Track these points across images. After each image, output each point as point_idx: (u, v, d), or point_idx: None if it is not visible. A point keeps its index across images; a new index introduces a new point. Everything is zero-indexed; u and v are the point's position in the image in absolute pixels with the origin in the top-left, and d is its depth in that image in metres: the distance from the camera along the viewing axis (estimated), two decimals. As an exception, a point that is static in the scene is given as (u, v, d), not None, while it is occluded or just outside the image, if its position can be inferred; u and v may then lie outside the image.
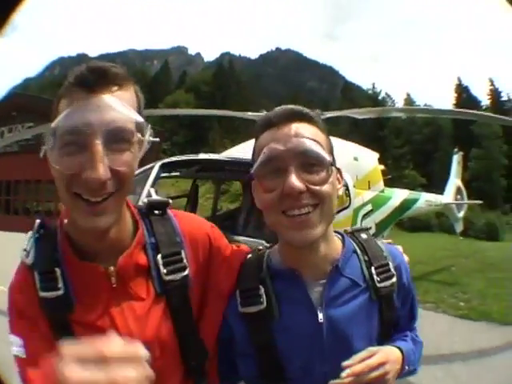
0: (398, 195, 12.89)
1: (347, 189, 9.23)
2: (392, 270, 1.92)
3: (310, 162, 1.69)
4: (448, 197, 19.39)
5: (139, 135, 1.53)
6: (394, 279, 1.91)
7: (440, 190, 20.68)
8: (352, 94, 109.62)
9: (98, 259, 1.65)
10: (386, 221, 11.58)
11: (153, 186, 8.13)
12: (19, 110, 40.87)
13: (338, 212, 9.12)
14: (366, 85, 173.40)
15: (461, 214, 20.14)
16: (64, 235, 1.67)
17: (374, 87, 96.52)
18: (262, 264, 1.93)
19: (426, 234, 38.42)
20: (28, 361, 1.50)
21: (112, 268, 1.64)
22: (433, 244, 25.53)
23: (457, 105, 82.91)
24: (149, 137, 1.59)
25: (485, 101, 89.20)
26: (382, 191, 11.68)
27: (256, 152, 1.81)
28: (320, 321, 1.78)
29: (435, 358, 7.55)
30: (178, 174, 10.32)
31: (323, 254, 1.83)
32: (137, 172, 5.55)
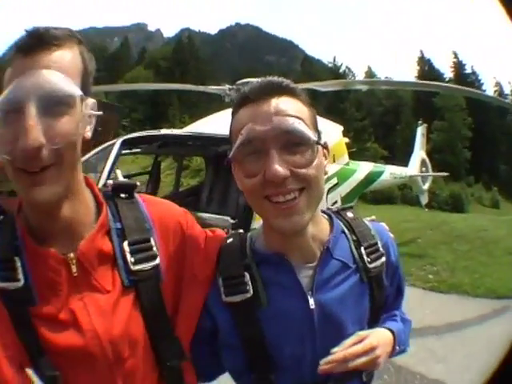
0: (363, 168, 12.88)
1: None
2: (381, 249, 1.84)
3: (293, 142, 1.53)
4: (413, 169, 19.39)
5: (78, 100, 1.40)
6: (384, 258, 1.83)
7: (402, 162, 20.73)
8: (312, 68, 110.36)
9: (56, 245, 1.48)
10: (352, 194, 11.54)
11: (114, 163, 8.03)
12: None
13: None
14: (327, 59, 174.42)
15: (426, 186, 20.33)
16: (22, 219, 1.52)
17: (334, 60, 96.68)
18: (246, 249, 1.79)
19: (389, 206, 38.64)
20: None
21: (72, 254, 1.47)
22: (397, 216, 25.63)
23: (419, 77, 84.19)
24: (89, 108, 1.50)
25: (447, 73, 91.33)
26: (347, 164, 11.66)
27: (233, 132, 1.65)
28: (311, 307, 1.67)
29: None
30: (139, 150, 10.25)
31: (311, 236, 1.71)
32: (97, 149, 5.57)
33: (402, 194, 41.09)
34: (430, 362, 6.49)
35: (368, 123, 70.74)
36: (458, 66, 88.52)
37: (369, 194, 36.29)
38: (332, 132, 11.13)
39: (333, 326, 1.69)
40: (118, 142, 8.28)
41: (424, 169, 20.34)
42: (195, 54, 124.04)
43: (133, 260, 1.55)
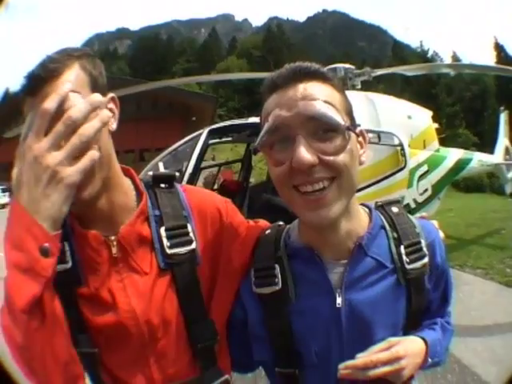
0: (453, 155, 12.20)
1: (402, 148, 8.90)
2: (424, 248, 1.68)
3: (322, 129, 1.42)
4: (498, 156, 18.47)
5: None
6: (426, 259, 1.67)
7: (491, 149, 20.08)
8: (403, 53, 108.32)
9: (99, 229, 1.56)
10: (442, 182, 11.02)
11: (202, 151, 8.20)
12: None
13: (394, 173, 8.96)
14: (413, 43, 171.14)
15: (510, 175, 19.52)
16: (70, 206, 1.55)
17: (421, 45, 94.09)
18: (280, 241, 1.74)
19: (479, 194, 37.53)
20: None
21: (113, 237, 1.56)
22: (485, 205, 24.94)
23: (497, 63, 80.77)
24: (106, 104, 1.54)
25: None
26: (438, 151, 11.11)
27: (262, 120, 1.58)
28: (338, 305, 1.58)
29: (478, 330, 7.32)
30: (229, 139, 10.30)
31: (345, 231, 1.60)
32: (185, 139, 5.86)
33: (490, 182, 39.86)
34: (489, 363, 6.22)
35: (459, 109, 68.00)
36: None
37: (461, 182, 35.55)
38: (421, 117, 10.87)
39: (362, 328, 1.59)
40: (205, 131, 8.40)
41: (508, 156, 19.32)
42: (287, 41, 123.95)
43: (169, 244, 1.61)
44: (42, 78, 1.39)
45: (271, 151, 1.50)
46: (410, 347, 1.58)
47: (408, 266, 1.63)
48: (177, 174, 1.85)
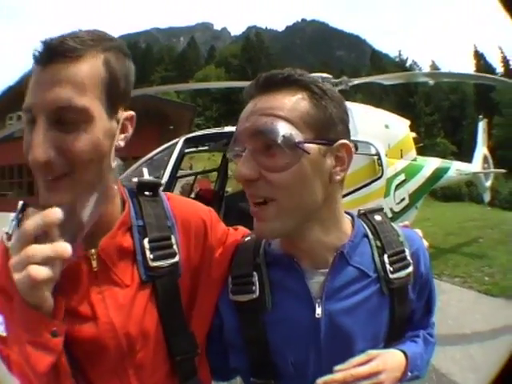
0: (431, 164, 12.38)
1: (379, 158, 9.01)
2: (408, 257, 1.66)
3: (267, 144, 1.40)
4: (476, 165, 18.75)
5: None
6: (411, 269, 1.65)
7: (469, 158, 20.38)
8: (381, 62, 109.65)
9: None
10: (420, 191, 11.17)
11: (177, 161, 8.25)
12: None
13: (371, 183, 9.07)
14: (392, 53, 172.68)
15: (488, 183, 19.65)
16: None
17: (400, 54, 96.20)
18: (260, 248, 1.70)
19: (457, 203, 37.86)
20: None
21: (93, 250, 1.51)
22: (463, 214, 25.29)
23: (477, 71, 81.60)
24: (121, 117, 1.50)
25: (499, 68, 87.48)
26: (415, 160, 11.30)
27: None
28: (317, 316, 1.54)
29: (457, 338, 7.43)
30: (205, 148, 10.33)
31: (318, 240, 1.56)
32: (161, 148, 5.81)
33: (469, 191, 40.19)
34: (468, 370, 6.33)
35: (437, 118, 69.25)
36: (506, 61, 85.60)
37: (439, 191, 35.88)
38: (399, 126, 11.01)
39: (341, 340, 1.55)
40: (181, 140, 8.46)
41: (486, 165, 19.71)
42: (265, 50, 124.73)
43: (152, 257, 1.57)
44: (54, 53, 1.32)
45: (234, 160, 1.53)
46: (389, 361, 1.55)
47: (392, 276, 1.60)
48: (162, 182, 1.82)
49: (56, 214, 1.17)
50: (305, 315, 1.55)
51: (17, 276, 1.16)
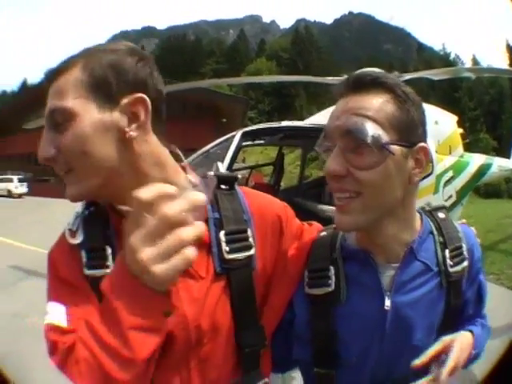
0: (476, 160, 11.95)
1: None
2: (465, 252, 1.72)
3: (357, 143, 1.44)
4: None
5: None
6: (466, 263, 1.71)
7: (506, 153, 19.73)
8: (427, 56, 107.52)
9: None
10: (466, 188, 10.82)
11: (235, 154, 8.14)
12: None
13: (421, 180, 8.80)
14: (436, 46, 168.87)
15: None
16: (114, 210, 1.57)
17: (444, 48, 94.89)
18: (336, 243, 1.74)
19: (497, 200, 37.87)
20: (70, 329, 1.38)
21: None
22: (501, 211, 25.26)
23: (510, 65, 78.92)
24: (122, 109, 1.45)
25: None
26: (462, 156, 10.87)
27: None
28: (386, 308, 1.59)
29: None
30: (262, 142, 10.28)
31: (394, 236, 1.61)
32: (218, 141, 6.51)
33: (508, 187, 39.80)
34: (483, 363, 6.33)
35: (480, 113, 68.23)
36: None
37: (482, 188, 36.16)
38: (447, 122, 10.65)
39: (403, 331, 1.61)
40: (239, 134, 8.28)
41: None
42: (315, 44, 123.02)
43: (227, 249, 1.56)
44: (55, 69, 1.45)
45: (323, 155, 1.59)
46: (464, 343, 1.65)
47: (451, 269, 1.66)
48: (239, 175, 1.84)
49: (201, 196, 1.13)
50: (375, 308, 1.60)
51: (160, 267, 1.07)
